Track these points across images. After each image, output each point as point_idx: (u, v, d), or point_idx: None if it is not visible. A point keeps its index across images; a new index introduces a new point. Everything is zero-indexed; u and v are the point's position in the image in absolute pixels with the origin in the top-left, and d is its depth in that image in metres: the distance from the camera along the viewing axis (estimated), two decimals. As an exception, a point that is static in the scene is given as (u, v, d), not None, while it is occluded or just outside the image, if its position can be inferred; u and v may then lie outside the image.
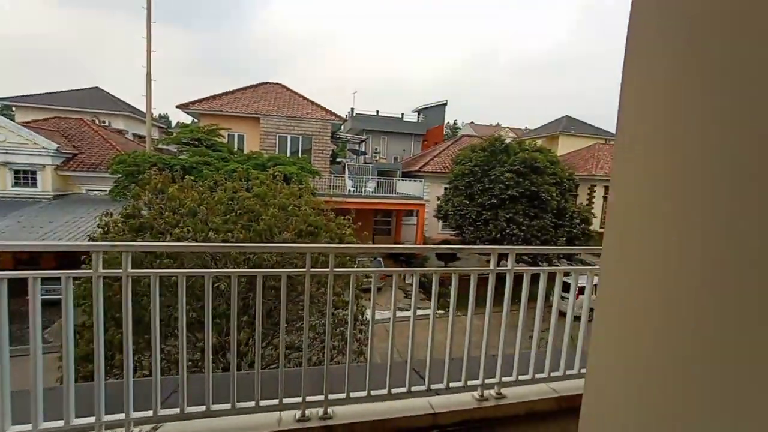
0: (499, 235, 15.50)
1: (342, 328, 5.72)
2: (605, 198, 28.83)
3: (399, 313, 11.04)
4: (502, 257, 2.78)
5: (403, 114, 38.58)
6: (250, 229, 5.15)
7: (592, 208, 18.54)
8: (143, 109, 17.74)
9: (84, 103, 27.61)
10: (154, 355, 1.94)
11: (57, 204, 16.52)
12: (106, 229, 5.38)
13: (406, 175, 24.60)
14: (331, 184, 19.09)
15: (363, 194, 18.92)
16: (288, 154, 18.81)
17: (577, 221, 16.02)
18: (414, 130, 37.49)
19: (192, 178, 6.03)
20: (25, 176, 17.08)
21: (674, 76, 0.64)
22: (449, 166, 24.05)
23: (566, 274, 2.97)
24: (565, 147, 29.06)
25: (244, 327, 4.80)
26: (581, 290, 13.33)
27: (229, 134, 18.37)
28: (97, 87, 30.57)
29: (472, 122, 65.71)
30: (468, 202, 15.96)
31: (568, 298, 12.88)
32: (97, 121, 25.35)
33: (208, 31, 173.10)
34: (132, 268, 1.91)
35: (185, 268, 5.29)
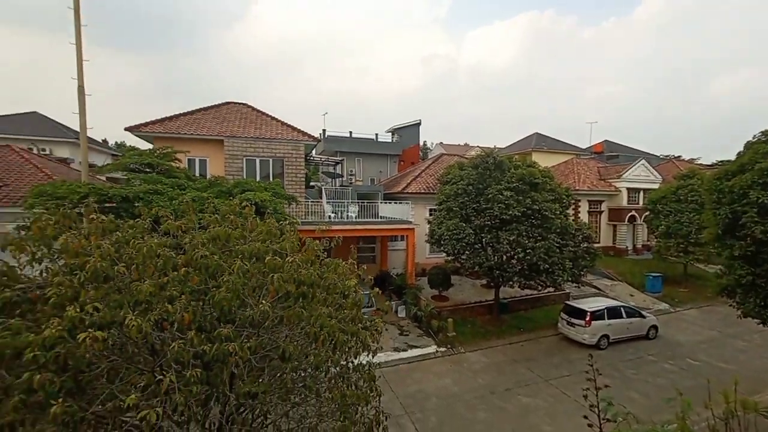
0: (501, 259, 13.99)
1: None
2: (590, 213, 28.34)
3: (396, 355, 8.62)
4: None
5: (377, 134, 37.70)
6: (205, 297, 3.22)
7: (591, 224, 17.47)
8: (96, 136, 15.19)
9: (20, 130, 24.42)
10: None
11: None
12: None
13: (387, 197, 23.02)
14: (308, 210, 17.10)
15: (345, 220, 17.01)
16: (257, 178, 16.74)
17: (580, 239, 14.82)
18: (390, 150, 36.61)
19: (111, 217, 3.98)
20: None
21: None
22: (434, 186, 22.73)
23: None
24: (539, 163, 28.43)
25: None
26: (594, 315, 11.41)
27: (189, 159, 16.12)
28: (35, 112, 27.37)
29: (441, 142, 65.90)
30: (464, 225, 14.42)
31: (579, 325, 10.93)
32: (35, 149, 22.28)
33: (163, 56, 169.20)
34: None
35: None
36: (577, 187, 27.04)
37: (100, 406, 3.57)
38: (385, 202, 20.81)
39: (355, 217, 17.38)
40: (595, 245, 16.48)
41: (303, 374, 3.96)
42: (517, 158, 17.44)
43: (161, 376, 3.10)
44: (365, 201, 18.54)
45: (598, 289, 21.77)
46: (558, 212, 14.09)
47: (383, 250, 22.06)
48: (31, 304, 3.62)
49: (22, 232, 4.12)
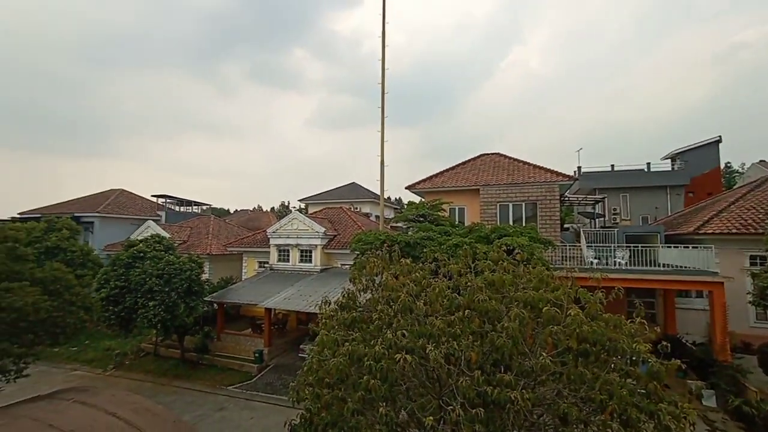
0: None
1: None
2: None
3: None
4: None
5: (649, 164, 31.05)
6: (484, 339, 3.58)
7: None
8: (385, 195, 20.48)
9: (344, 196, 35.67)
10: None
11: (322, 276, 20.28)
12: (322, 320, 5.02)
13: (671, 239, 18.13)
14: (565, 254, 15.74)
15: (612, 267, 14.54)
16: (510, 222, 17.03)
17: None
18: (668, 181, 29.44)
19: (409, 261, 5.13)
20: (306, 254, 21.92)
21: None
22: (756, 222, 16.30)
23: None
24: None
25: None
26: None
27: (450, 208, 18.43)
28: (353, 182, 39.38)
29: (761, 160, 45.90)
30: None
31: None
32: (352, 208, 31.58)
33: (430, 124, 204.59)
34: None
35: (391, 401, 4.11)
36: None
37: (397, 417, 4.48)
38: (668, 246, 16.43)
39: (625, 265, 14.56)
40: None
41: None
42: None
43: (447, 406, 3.61)
44: (638, 244, 15.29)
45: None
46: None
47: (667, 308, 17.19)
48: (363, 323, 5.10)
49: (356, 270, 5.93)
